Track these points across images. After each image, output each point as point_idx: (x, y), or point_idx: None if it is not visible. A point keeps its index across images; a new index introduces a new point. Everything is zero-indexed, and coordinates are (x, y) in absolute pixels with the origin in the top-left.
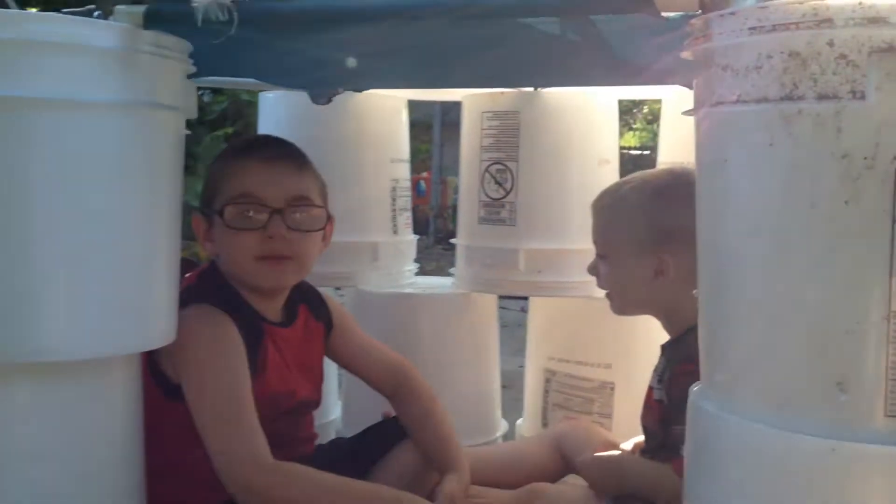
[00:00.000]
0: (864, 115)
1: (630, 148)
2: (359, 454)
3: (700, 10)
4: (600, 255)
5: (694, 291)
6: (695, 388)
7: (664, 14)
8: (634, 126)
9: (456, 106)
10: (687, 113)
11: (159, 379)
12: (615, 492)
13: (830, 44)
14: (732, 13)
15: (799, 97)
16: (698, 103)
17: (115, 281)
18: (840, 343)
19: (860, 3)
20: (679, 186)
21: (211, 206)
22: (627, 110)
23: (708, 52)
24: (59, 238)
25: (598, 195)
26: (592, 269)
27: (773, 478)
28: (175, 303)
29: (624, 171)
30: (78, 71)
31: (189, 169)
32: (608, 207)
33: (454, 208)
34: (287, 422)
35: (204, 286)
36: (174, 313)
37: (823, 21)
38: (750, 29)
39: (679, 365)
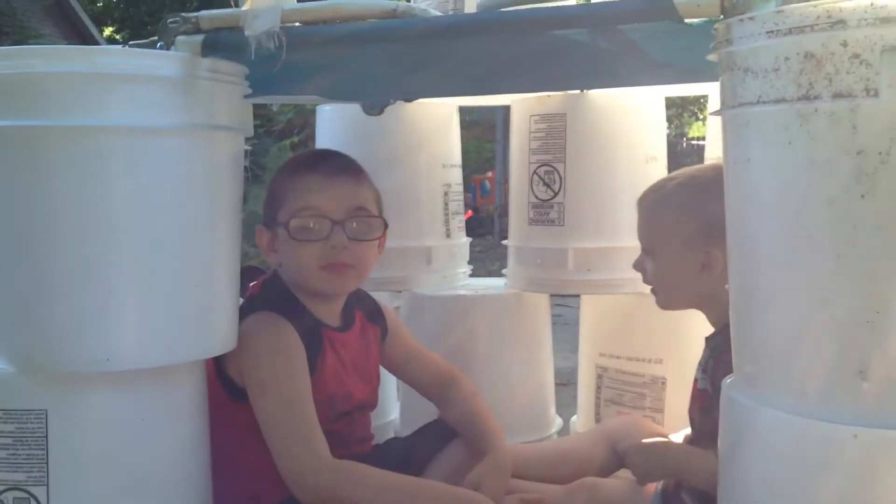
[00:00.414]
0: (877, 111)
1: (700, 138)
2: (413, 453)
3: (721, 16)
4: (646, 251)
5: (726, 286)
6: (727, 379)
7: (688, 21)
8: (702, 117)
9: None
10: (714, 114)
11: (225, 382)
12: (660, 478)
13: (844, 44)
14: (751, 17)
15: (815, 97)
16: (723, 104)
17: (180, 294)
18: (860, 333)
19: (871, 4)
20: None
21: (275, 218)
22: (695, 101)
23: (730, 55)
24: (130, 255)
25: (644, 192)
26: (638, 266)
27: (799, 464)
28: (235, 312)
29: (693, 161)
30: (144, 99)
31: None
32: (654, 204)
33: None
34: (345, 422)
35: (266, 295)
36: (235, 322)
37: (837, 23)
38: (768, 32)
39: (722, 354)
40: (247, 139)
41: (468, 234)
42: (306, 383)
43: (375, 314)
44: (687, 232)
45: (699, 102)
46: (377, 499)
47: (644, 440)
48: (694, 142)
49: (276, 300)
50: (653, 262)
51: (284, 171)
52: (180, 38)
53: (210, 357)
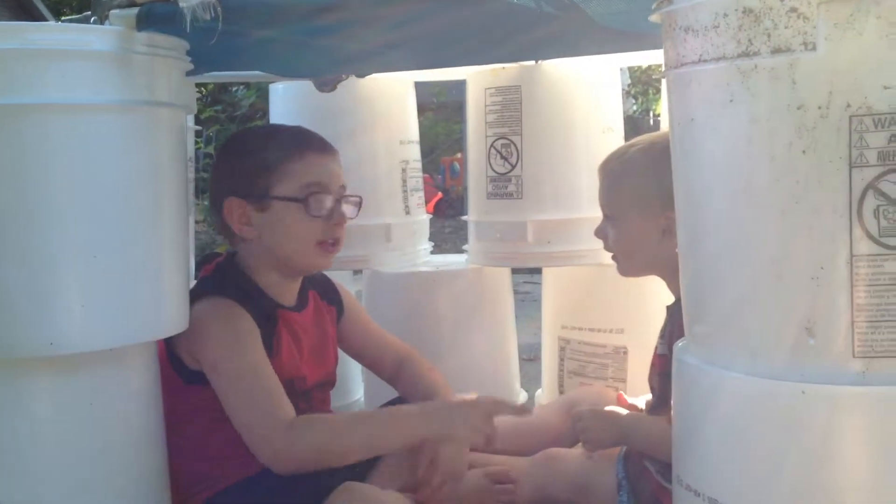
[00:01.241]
0: (816, 65)
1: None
2: None
3: None
4: (608, 218)
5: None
6: (679, 343)
7: None
8: None
9: None
10: (659, 76)
11: (177, 365)
12: (609, 445)
13: None
14: None
15: (754, 53)
16: (666, 66)
17: (125, 274)
18: (806, 289)
19: None
20: None
21: (266, 192)
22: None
23: (670, 14)
24: (72, 236)
25: (605, 158)
26: (600, 233)
27: (750, 423)
28: (186, 292)
29: None
30: (79, 75)
31: None
32: (615, 169)
33: None
34: (304, 402)
35: (218, 278)
36: (185, 302)
37: None
38: None
39: (680, 320)
40: (208, 123)
41: (439, 216)
42: (263, 356)
43: (330, 293)
44: (648, 197)
45: (661, 80)
46: (352, 437)
47: (595, 408)
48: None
49: (229, 283)
50: (614, 229)
51: (275, 143)
52: (114, 11)
53: (159, 339)
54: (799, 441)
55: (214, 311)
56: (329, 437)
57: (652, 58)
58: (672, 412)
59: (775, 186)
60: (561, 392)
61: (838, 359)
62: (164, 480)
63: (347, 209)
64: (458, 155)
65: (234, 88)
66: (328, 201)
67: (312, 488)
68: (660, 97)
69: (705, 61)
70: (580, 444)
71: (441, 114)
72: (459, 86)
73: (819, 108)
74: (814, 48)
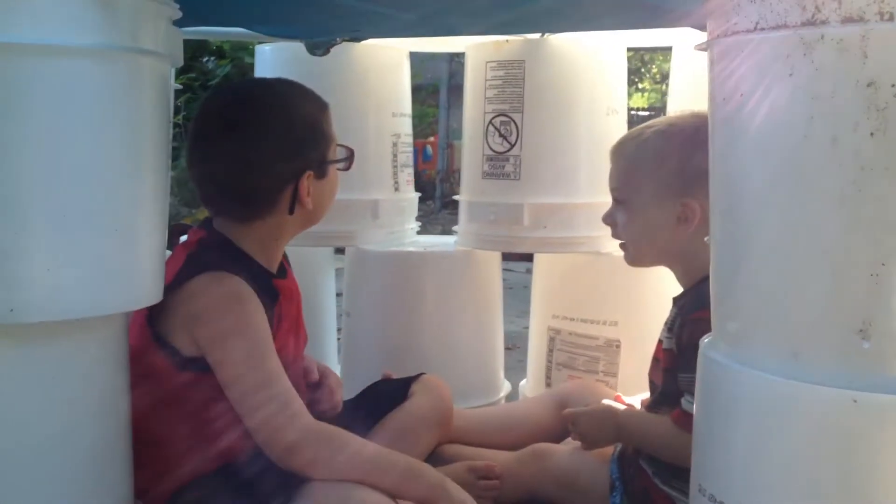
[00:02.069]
0: (892, 38)
1: (638, 109)
2: (359, 415)
3: None
4: (618, 202)
5: (706, 238)
6: (705, 339)
7: None
8: (642, 86)
9: (463, 69)
10: (699, 47)
11: (168, 351)
12: (605, 445)
13: None
14: None
15: (822, 21)
16: (712, 35)
17: (98, 237)
18: (863, 287)
19: None
20: (705, 128)
21: (325, 155)
22: (636, 70)
23: None
24: (40, 192)
25: (619, 140)
26: (609, 218)
27: (788, 431)
28: (162, 261)
29: None
30: (57, 14)
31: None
32: (630, 151)
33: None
34: (295, 377)
35: (211, 252)
36: (161, 273)
37: None
38: None
39: (691, 313)
40: (182, 95)
41: None
42: (271, 343)
43: (286, 255)
44: (665, 182)
45: (639, 72)
46: (357, 469)
47: (591, 406)
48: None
49: (225, 257)
50: (625, 215)
51: (314, 105)
52: None
53: (132, 309)
54: (845, 453)
55: (220, 288)
56: (348, 464)
57: (658, 39)
58: (695, 414)
59: (836, 172)
60: (548, 384)
61: None
62: (127, 466)
63: None
64: (432, 138)
65: (206, 59)
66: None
67: (287, 482)
68: (634, 90)
69: (763, 29)
70: (569, 439)
71: (415, 96)
72: (435, 67)
73: (893, 86)
74: (891, 18)
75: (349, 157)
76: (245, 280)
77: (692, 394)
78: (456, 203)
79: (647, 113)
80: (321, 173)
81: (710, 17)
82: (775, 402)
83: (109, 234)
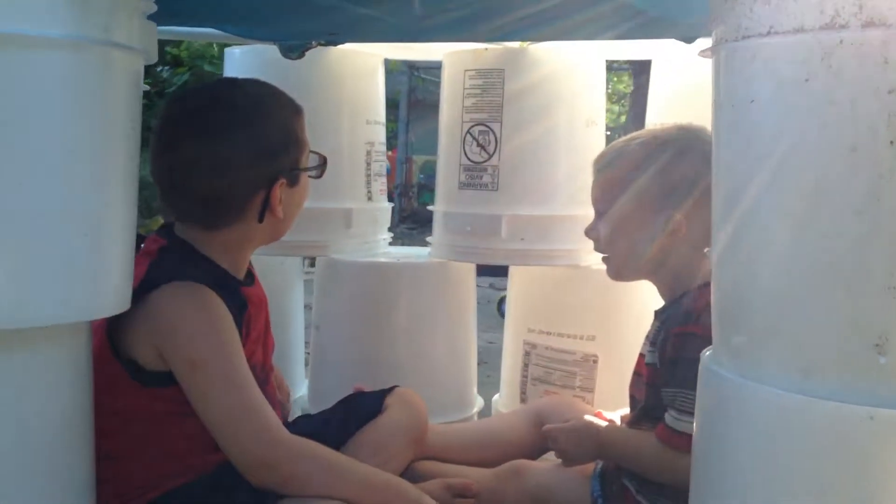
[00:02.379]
0: None
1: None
2: (331, 429)
3: None
4: (601, 215)
5: (706, 250)
6: (706, 352)
7: None
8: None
9: (423, 84)
10: (704, 53)
11: (128, 366)
12: (586, 461)
13: None
14: None
15: (841, 26)
16: (719, 39)
17: (64, 241)
18: (879, 300)
19: None
20: (691, 140)
21: (298, 161)
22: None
23: None
24: (2, 192)
25: (602, 152)
26: (592, 232)
27: (800, 449)
28: (130, 268)
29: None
30: (24, 3)
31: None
32: (614, 163)
33: (419, 187)
34: (264, 388)
35: (174, 260)
36: (129, 280)
37: None
38: None
39: (674, 327)
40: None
41: None
42: (242, 354)
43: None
44: (650, 194)
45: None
46: (333, 485)
47: (567, 421)
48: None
49: (190, 266)
50: (609, 228)
51: (288, 109)
52: None
53: (98, 318)
54: (861, 471)
55: (188, 299)
56: (324, 480)
57: (637, 52)
58: (696, 431)
59: (852, 181)
60: (523, 400)
61: None
62: (90, 483)
63: None
64: (390, 153)
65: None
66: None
67: (258, 500)
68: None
69: (777, 33)
70: (547, 455)
71: None
72: (395, 81)
73: None
74: None
75: (322, 165)
76: (212, 289)
77: (676, 409)
78: (414, 217)
79: (607, 133)
80: (293, 180)
81: (717, 22)
82: (786, 419)
83: (76, 237)
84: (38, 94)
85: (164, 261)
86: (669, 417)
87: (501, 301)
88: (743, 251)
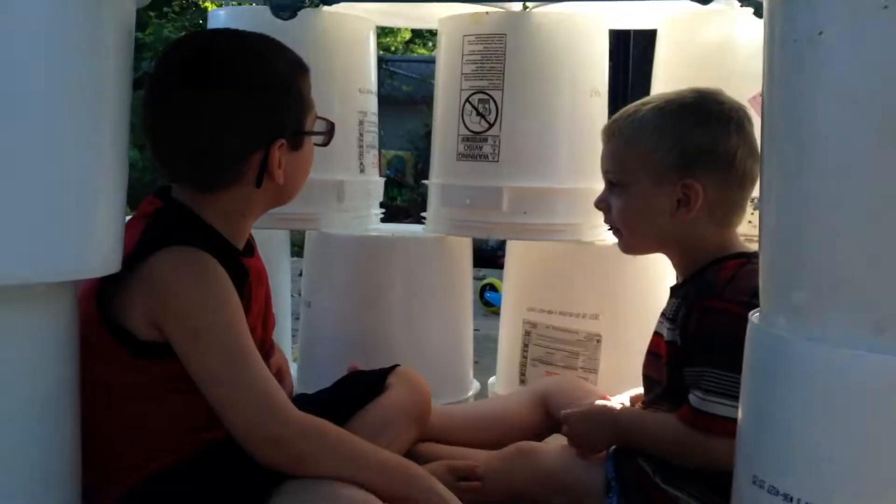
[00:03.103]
0: None
1: None
2: (333, 408)
3: None
4: (613, 186)
5: (752, 199)
6: (755, 315)
7: None
8: None
9: (394, 79)
10: None
11: (120, 334)
12: (605, 446)
13: None
14: None
15: None
16: None
17: (48, 190)
18: None
19: None
20: (708, 105)
21: (302, 124)
22: None
23: None
24: None
25: (612, 119)
26: (601, 203)
27: (873, 412)
28: (121, 224)
29: None
30: None
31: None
32: (625, 130)
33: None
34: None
35: (171, 224)
36: (119, 237)
37: None
38: None
39: (698, 301)
40: None
41: None
42: (245, 324)
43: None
44: (664, 162)
45: None
46: (344, 465)
47: (586, 405)
48: None
49: (189, 231)
50: (620, 198)
51: (292, 65)
52: None
53: (86, 278)
54: None
55: (188, 265)
56: (334, 460)
57: (642, 21)
58: (744, 397)
59: None
60: (522, 381)
61: None
62: (76, 462)
63: None
64: None
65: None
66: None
67: (259, 476)
68: None
69: None
70: (553, 436)
71: None
72: None
73: None
74: None
75: (329, 131)
76: (212, 255)
77: (702, 389)
78: (385, 207)
79: None
80: (296, 144)
81: None
82: (858, 381)
83: (62, 187)
84: (22, 35)
85: (161, 224)
86: (695, 398)
87: (483, 289)
88: (806, 198)
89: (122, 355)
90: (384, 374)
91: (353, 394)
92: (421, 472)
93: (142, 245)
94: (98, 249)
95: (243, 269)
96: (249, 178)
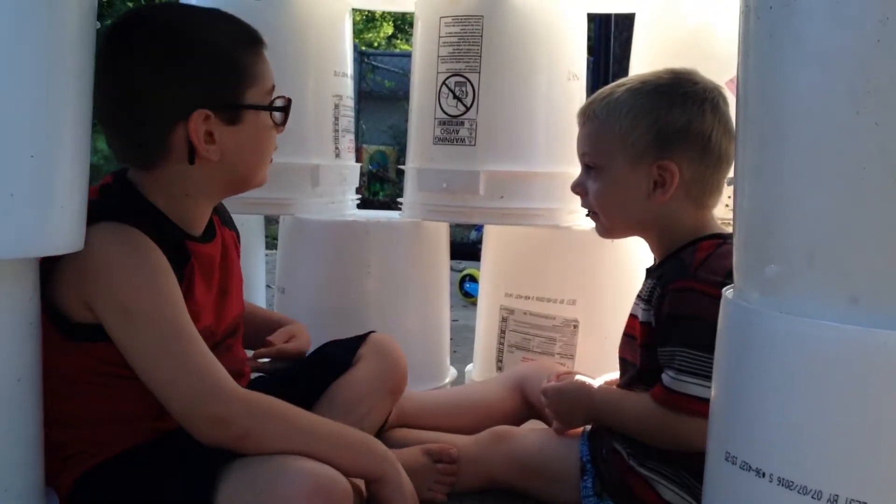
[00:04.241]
0: None
1: None
2: (299, 386)
3: None
4: (589, 168)
5: (728, 177)
6: (727, 291)
7: None
8: None
9: (376, 73)
10: None
11: (53, 316)
12: (582, 424)
13: None
14: None
15: None
16: None
17: (8, 163)
18: None
19: None
20: (683, 85)
21: (238, 98)
22: None
23: None
24: None
25: (587, 101)
26: (578, 187)
27: (847, 384)
28: (84, 200)
29: None
30: None
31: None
32: (601, 112)
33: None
34: (223, 353)
35: (111, 201)
36: (83, 215)
37: None
38: None
39: (671, 283)
40: None
41: None
42: (181, 301)
43: (227, 216)
44: (640, 142)
45: None
46: (289, 439)
47: (565, 381)
48: None
49: (126, 208)
50: (597, 181)
51: (234, 35)
52: None
53: (48, 255)
54: None
55: (119, 242)
56: (279, 434)
57: (620, 5)
58: (717, 373)
59: None
60: (499, 368)
61: None
62: (38, 446)
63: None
64: None
65: None
66: (286, 108)
67: (205, 463)
68: None
69: None
70: (530, 422)
71: None
72: None
73: None
74: None
75: (282, 108)
76: (145, 233)
77: (674, 369)
78: (365, 206)
79: None
80: (231, 118)
81: None
82: (833, 352)
83: (22, 161)
84: None
85: (101, 201)
86: (667, 378)
87: (463, 280)
88: (778, 169)
89: (55, 338)
90: (356, 344)
91: (321, 369)
92: (380, 447)
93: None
94: (60, 228)
95: (184, 251)
96: (178, 154)
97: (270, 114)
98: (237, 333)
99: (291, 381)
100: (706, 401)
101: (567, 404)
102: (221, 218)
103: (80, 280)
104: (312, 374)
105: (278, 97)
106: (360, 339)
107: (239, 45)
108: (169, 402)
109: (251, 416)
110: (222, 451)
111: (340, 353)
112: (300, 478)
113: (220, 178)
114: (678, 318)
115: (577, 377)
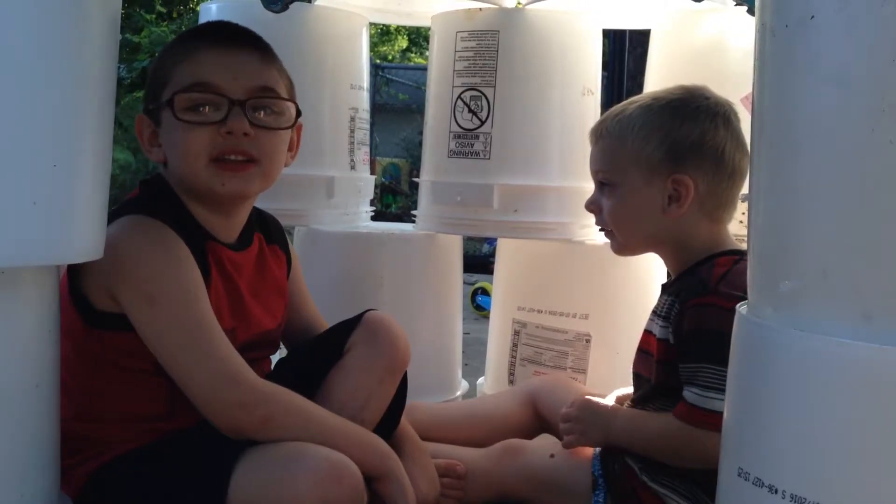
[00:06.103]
0: None
1: None
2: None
3: None
4: (603, 186)
5: (742, 193)
6: (742, 307)
7: None
8: None
9: (390, 86)
10: None
11: (81, 306)
12: (599, 444)
13: None
14: None
15: None
16: None
17: (29, 171)
18: None
19: None
20: (695, 100)
21: (157, 99)
22: None
23: None
24: None
25: (600, 119)
26: (592, 205)
27: (860, 401)
28: (104, 208)
29: None
30: None
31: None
32: (614, 129)
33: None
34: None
35: (145, 198)
36: (103, 222)
37: None
38: None
39: (690, 299)
40: None
41: None
42: (203, 291)
43: (279, 238)
44: (654, 159)
45: None
46: (308, 433)
47: (587, 398)
48: None
49: (153, 202)
50: (611, 198)
51: (173, 42)
52: None
53: (67, 263)
54: None
55: (143, 232)
56: (299, 427)
57: (636, 21)
58: (731, 389)
59: None
60: (511, 381)
61: None
62: (55, 441)
63: (259, 117)
64: None
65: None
66: (212, 102)
67: (219, 460)
68: None
69: None
70: (541, 436)
71: None
72: None
73: None
74: None
75: (168, 102)
76: (171, 227)
77: (699, 385)
78: (378, 218)
79: None
80: (156, 120)
81: None
82: (846, 370)
83: (44, 169)
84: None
85: (136, 198)
86: (692, 395)
87: (475, 293)
88: (794, 187)
89: (78, 325)
90: (349, 329)
91: (315, 359)
92: (381, 443)
93: (112, 214)
94: (81, 236)
95: (201, 251)
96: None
97: (172, 110)
98: (265, 350)
99: (290, 375)
100: None
101: (590, 420)
102: (268, 235)
103: (104, 269)
104: (308, 366)
105: (182, 93)
106: (353, 323)
107: (176, 43)
108: (190, 389)
109: (273, 402)
110: (235, 446)
111: (332, 342)
112: (316, 462)
113: (175, 180)
114: (700, 333)
115: (592, 398)
